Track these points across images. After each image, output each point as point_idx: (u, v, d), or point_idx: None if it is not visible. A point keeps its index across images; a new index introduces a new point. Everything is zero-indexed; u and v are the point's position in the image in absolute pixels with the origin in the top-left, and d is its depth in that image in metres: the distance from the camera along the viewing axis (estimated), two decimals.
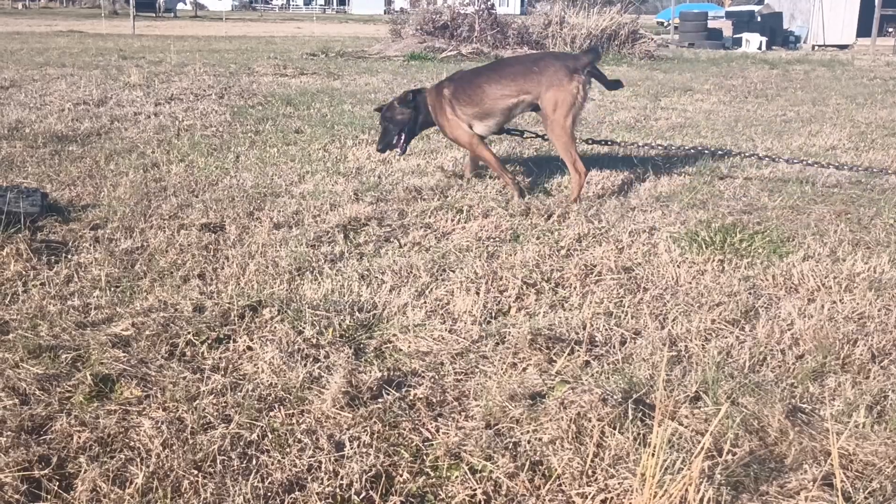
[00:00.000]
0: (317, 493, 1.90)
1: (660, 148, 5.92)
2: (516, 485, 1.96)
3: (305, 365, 2.51)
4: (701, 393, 2.40)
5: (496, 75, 4.62)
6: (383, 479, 1.98)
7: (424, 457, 2.09)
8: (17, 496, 1.85)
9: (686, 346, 2.75)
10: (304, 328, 2.76)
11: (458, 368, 2.55)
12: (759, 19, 27.00)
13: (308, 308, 2.91)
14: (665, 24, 35.32)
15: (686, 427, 2.22)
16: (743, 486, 1.97)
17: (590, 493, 1.92)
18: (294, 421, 2.22)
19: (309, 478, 1.97)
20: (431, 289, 3.18)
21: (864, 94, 10.84)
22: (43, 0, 53.82)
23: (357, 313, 2.91)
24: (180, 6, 47.01)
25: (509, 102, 4.56)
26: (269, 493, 1.91)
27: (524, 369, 2.54)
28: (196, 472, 1.97)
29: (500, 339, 2.76)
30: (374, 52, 17.00)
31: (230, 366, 2.53)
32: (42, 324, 2.75)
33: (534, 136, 5.39)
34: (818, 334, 2.79)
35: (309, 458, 2.04)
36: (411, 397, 2.37)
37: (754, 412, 2.29)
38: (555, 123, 4.46)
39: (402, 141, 4.82)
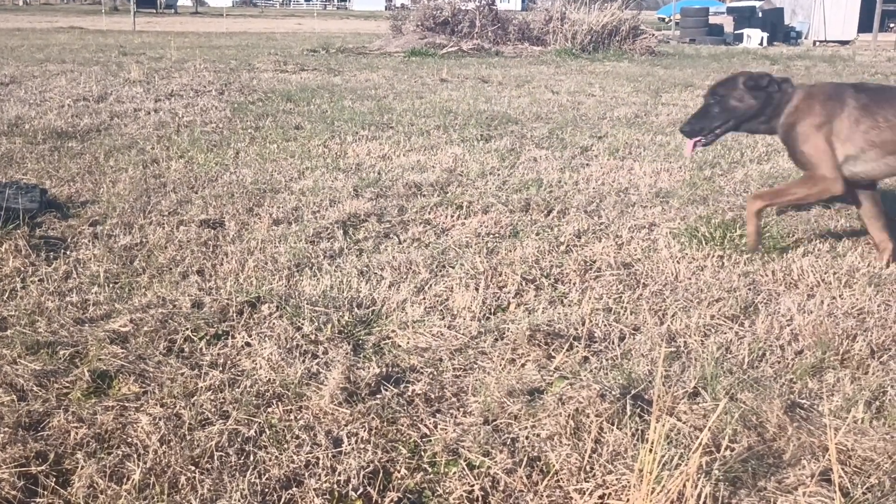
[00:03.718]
0: (314, 490, 1.90)
1: None
2: (514, 480, 1.96)
3: (304, 361, 2.50)
4: (699, 388, 2.40)
5: None
6: (381, 475, 1.98)
7: (422, 453, 2.09)
8: (14, 492, 1.85)
9: (685, 341, 2.74)
10: (302, 324, 2.76)
11: (457, 364, 2.55)
12: (760, 15, 26.94)
13: (307, 304, 2.91)
14: (666, 19, 35.26)
15: (684, 423, 2.22)
16: (741, 481, 1.97)
17: (588, 489, 1.91)
18: (292, 417, 2.22)
19: (306, 474, 1.97)
20: (430, 285, 3.18)
21: None
22: None
23: (356, 309, 2.91)
24: (181, 2, 46.93)
25: None
26: (267, 490, 1.91)
27: (523, 365, 2.54)
28: (193, 468, 1.96)
29: (498, 335, 2.76)
30: (374, 48, 16.99)
31: (228, 362, 2.52)
32: (40, 320, 2.75)
33: None
34: (817, 330, 2.79)
35: (307, 454, 2.04)
36: (409, 393, 2.36)
37: (753, 408, 2.29)
38: None
39: (716, 132, 3.63)
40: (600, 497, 1.89)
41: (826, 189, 3.41)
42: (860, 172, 3.40)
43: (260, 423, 2.17)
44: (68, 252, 3.45)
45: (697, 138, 3.65)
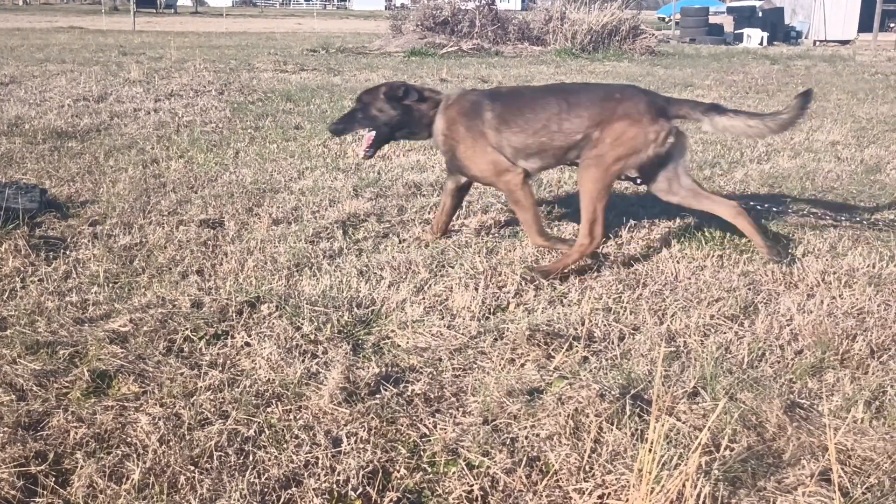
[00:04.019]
0: (314, 489, 1.90)
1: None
2: (513, 480, 1.96)
3: (303, 361, 2.50)
4: (699, 388, 2.40)
5: (565, 99, 3.45)
6: (380, 474, 1.98)
7: (422, 452, 2.09)
8: (13, 492, 1.85)
9: (685, 341, 2.74)
10: (302, 324, 2.76)
11: (456, 364, 2.55)
12: (760, 15, 26.94)
13: (306, 304, 2.91)
14: (666, 19, 35.25)
15: (684, 422, 2.22)
16: (740, 481, 1.97)
17: (587, 489, 1.91)
18: (291, 417, 2.22)
19: (306, 474, 1.97)
20: (430, 285, 3.18)
21: (866, 90, 10.81)
22: None
23: (355, 309, 2.91)
24: (181, 2, 46.94)
25: (574, 139, 3.39)
26: (266, 489, 1.91)
27: (522, 365, 2.54)
28: (193, 467, 1.96)
29: (498, 334, 2.76)
30: (374, 48, 16.99)
31: (228, 362, 2.52)
32: (40, 320, 2.75)
33: None
34: (817, 330, 2.79)
35: (306, 453, 2.04)
36: (409, 393, 2.36)
37: (752, 408, 2.29)
38: (599, 161, 3.32)
39: (371, 142, 3.64)
40: (599, 497, 1.89)
41: (511, 180, 3.46)
42: (528, 168, 3.51)
43: (259, 422, 2.17)
44: (68, 252, 3.45)
45: (370, 144, 3.65)
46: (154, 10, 40.24)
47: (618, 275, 3.34)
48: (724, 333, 2.80)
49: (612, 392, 2.31)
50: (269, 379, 2.41)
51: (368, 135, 3.65)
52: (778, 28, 26.40)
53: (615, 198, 4.60)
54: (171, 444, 2.05)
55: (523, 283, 3.22)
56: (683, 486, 1.78)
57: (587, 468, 2.00)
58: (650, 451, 1.79)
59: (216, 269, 3.31)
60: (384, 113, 3.58)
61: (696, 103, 3.50)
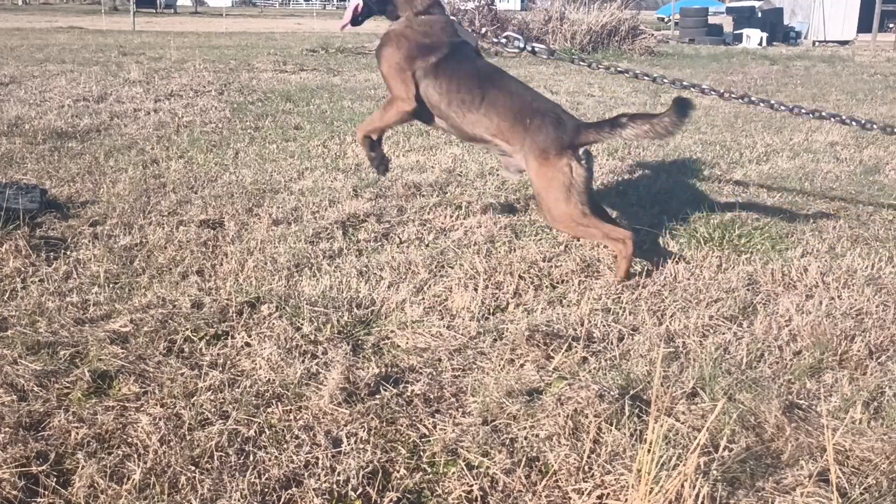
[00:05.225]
0: (314, 490, 1.91)
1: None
2: (513, 481, 1.96)
3: (303, 361, 2.51)
4: (698, 389, 2.41)
5: (496, 91, 3.39)
6: (380, 475, 1.99)
7: (421, 453, 2.10)
8: (14, 492, 1.86)
9: (683, 342, 2.75)
10: (302, 324, 2.77)
11: (456, 365, 2.56)
12: (759, 15, 26.95)
13: (306, 304, 2.91)
14: (666, 19, 35.27)
15: (682, 423, 2.22)
16: (739, 481, 1.98)
17: (586, 489, 1.92)
18: (291, 417, 2.23)
19: (306, 474, 1.97)
20: (430, 285, 3.19)
21: (865, 91, 10.82)
22: None
23: (355, 310, 2.92)
24: (180, 2, 46.95)
25: (481, 135, 3.40)
26: (267, 490, 1.91)
27: (522, 365, 2.55)
28: (193, 468, 1.97)
29: (497, 335, 2.76)
30: (374, 48, 16.97)
31: (228, 362, 2.53)
32: (40, 320, 2.76)
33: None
34: (816, 330, 2.80)
35: (306, 454, 2.05)
36: (409, 393, 2.37)
37: (751, 408, 2.30)
38: (552, 211, 3.32)
39: (360, 11, 3.66)
40: (599, 497, 1.90)
41: (398, 106, 3.46)
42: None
43: (260, 423, 2.18)
44: (68, 252, 3.45)
45: (357, 13, 3.65)
46: (154, 10, 40.25)
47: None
48: (723, 334, 2.81)
49: (612, 392, 2.32)
50: (269, 379, 2.41)
51: (354, 4, 3.63)
52: (777, 28, 26.40)
53: (615, 197, 4.61)
54: (171, 444, 2.06)
55: (522, 283, 3.23)
56: (682, 486, 1.79)
57: (586, 468, 2.00)
58: (649, 451, 1.79)
59: (216, 269, 3.32)
60: None
61: (601, 125, 3.34)
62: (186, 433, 2.11)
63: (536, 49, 3.82)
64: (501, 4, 20.63)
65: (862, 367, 2.59)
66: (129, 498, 1.86)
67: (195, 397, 2.29)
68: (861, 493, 1.93)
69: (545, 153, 3.25)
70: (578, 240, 3.68)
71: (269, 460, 2.02)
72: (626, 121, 3.22)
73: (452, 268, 3.38)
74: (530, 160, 3.30)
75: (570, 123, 3.31)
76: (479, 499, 1.92)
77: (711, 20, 26.53)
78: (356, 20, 3.69)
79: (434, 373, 2.50)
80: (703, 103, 9.18)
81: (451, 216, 4.16)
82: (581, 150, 3.35)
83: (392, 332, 2.77)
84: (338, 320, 2.80)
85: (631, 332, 2.83)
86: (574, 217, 3.27)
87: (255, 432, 2.14)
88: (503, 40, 3.79)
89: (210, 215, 4.04)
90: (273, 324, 2.77)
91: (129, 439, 2.09)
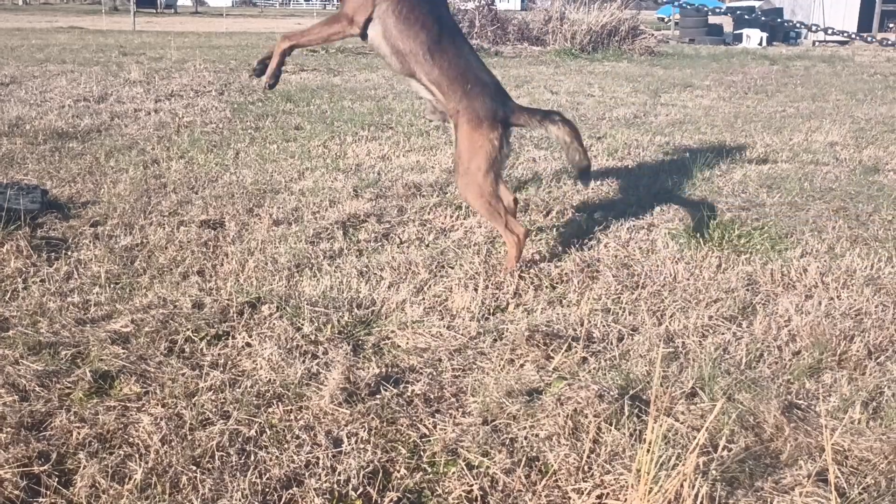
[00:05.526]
0: (314, 489, 1.92)
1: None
2: (513, 480, 1.97)
3: (304, 361, 2.52)
4: (697, 389, 2.41)
5: (451, 47, 3.30)
6: (381, 474, 2.00)
7: (422, 453, 2.10)
8: (16, 492, 1.87)
9: (683, 342, 2.76)
10: (302, 325, 2.77)
11: (456, 365, 2.57)
12: (762, 17, 26.94)
13: (307, 304, 2.92)
14: (666, 19, 35.28)
15: (682, 423, 2.23)
16: (738, 481, 1.98)
17: (586, 489, 1.93)
18: (292, 417, 2.23)
19: (307, 474, 1.98)
20: (430, 285, 3.19)
21: (864, 91, 10.83)
22: None
23: (356, 310, 2.92)
24: (181, 2, 46.95)
25: (420, 77, 3.33)
26: (267, 489, 1.92)
27: (521, 366, 2.55)
28: (194, 468, 1.98)
29: (497, 335, 2.77)
30: None
31: (229, 362, 2.54)
32: (42, 320, 2.76)
33: None
34: (815, 331, 2.80)
35: (307, 454, 2.05)
36: (409, 393, 2.38)
37: (750, 408, 2.30)
38: (469, 176, 3.28)
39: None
40: (598, 497, 1.91)
41: (344, 29, 3.34)
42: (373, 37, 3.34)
43: (260, 423, 2.19)
44: (69, 253, 3.46)
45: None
46: (154, 10, 40.23)
47: (617, 275, 3.35)
48: (723, 334, 2.81)
49: (611, 393, 2.33)
50: (269, 379, 2.42)
51: None
52: (777, 28, 26.40)
53: (615, 198, 4.62)
54: (172, 444, 2.07)
55: (522, 283, 3.24)
56: (681, 486, 1.80)
57: (586, 468, 2.01)
58: (648, 451, 1.80)
59: (217, 269, 3.32)
60: None
61: (534, 111, 3.38)
62: (187, 433, 2.12)
63: None
64: (501, 4, 20.65)
65: (861, 367, 2.60)
66: (131, 498, 1.86)
67: (196, 397, 2.30)
68: (860, 493, 1.94)
69: (479, 120, 3.25)
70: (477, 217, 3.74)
71: (270, 460, 2.03)
72: (559, 119, 3.31)
73: (452, 268, 3.39)
74: (462, 123, 3.28)
75: (507, 101, 3.34)
76: (479, 498, 1.92)
77: (711, 20, 26.51)
78: None
79: (434, 373, 2.51)
80: (702, 104, 9.19)
81: (452, 216, 4.16)
82: (510, 130, 3.35)
83: (392, 332, 2.78)
84: (338, 320, 2.81)
85: (630, 332, 2.83)
86: (486, 192, 3.28)
87: (256, 432, 2.15)
88: None
89: (211, 215, 4.05)
90: (274, 324, 2.78)
91: (131, 439, 2.10)
